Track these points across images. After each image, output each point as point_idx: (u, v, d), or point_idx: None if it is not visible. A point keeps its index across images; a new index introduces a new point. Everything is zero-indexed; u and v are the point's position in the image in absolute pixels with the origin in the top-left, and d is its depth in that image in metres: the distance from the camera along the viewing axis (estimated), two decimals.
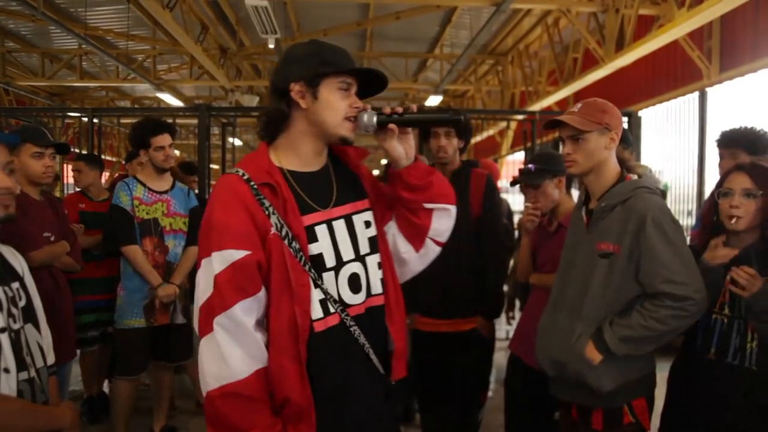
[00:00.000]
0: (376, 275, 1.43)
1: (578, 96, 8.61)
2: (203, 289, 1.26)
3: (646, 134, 6.73)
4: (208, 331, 1.24)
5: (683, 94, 6.37)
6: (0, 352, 1.35)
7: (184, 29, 6.87)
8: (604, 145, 1.80)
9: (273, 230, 1.27)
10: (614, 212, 1.76)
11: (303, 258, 1.29)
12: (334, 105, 1.33)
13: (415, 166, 1.43)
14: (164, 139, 3.01)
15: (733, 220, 1.77)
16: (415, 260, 1.54)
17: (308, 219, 1.33)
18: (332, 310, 1.32)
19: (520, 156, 10.80)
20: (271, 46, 6.45)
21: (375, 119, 1.35)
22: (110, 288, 3.22)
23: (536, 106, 8.69)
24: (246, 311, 1.25)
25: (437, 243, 1.54)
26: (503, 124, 8.97)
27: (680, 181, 6.33)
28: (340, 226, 1.38)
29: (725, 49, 5.77)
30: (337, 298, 1.33)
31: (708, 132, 5.91)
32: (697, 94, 6.12)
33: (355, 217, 1.42)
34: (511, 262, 4.10)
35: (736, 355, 1.76)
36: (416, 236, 1.50)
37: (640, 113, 6.89)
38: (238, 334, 1.24)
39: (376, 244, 1.44)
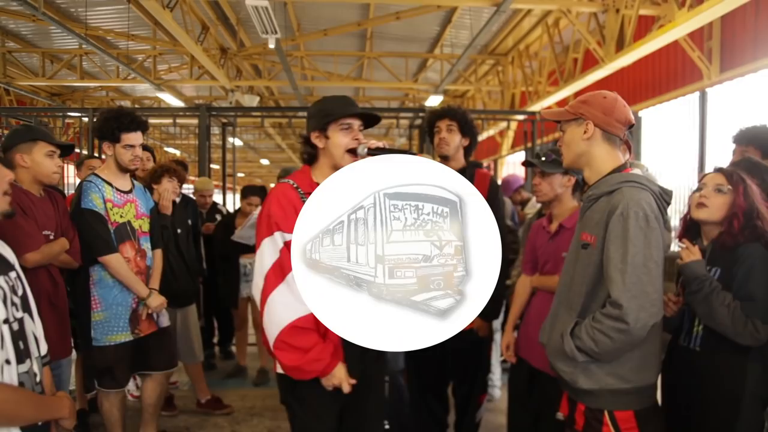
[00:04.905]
0: None
1: (578, 97, 8.60)
2: (269, 257, 1.80)
3: (646, 134, 6.74)
4: (280, 283, 1.78)
5: (683, 95, 6.36)
6: (2, 344, 1.35)
7: (185, 29, 6.88)
8: (579, 136, 1.73)
9: None
10: (599, 202, 1.69)
11: None
12: (338, 142, 1.88)
13: None
14: (135, 138, 2.73)
15: (699, 207, 1.90)
16: None
17: None
18: None
19: (520, 156, 10.80)
20: (272, 46, 6.44)
21: (365, 151, 1.86)
22: None
23: (536, 107, 8.69)
24: None
25: None
26: (503, 124, 8.95)
27: (680, 182, 6.33)
28: None
29: (725, 50, 5.77)
30: None
31: (708, 132, 5.91)
32: (697, 94, 6.12)
33: None
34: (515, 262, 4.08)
35: (686, 338, 1.90)
36: None
37: (640, 113, 6.90)
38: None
39: None
